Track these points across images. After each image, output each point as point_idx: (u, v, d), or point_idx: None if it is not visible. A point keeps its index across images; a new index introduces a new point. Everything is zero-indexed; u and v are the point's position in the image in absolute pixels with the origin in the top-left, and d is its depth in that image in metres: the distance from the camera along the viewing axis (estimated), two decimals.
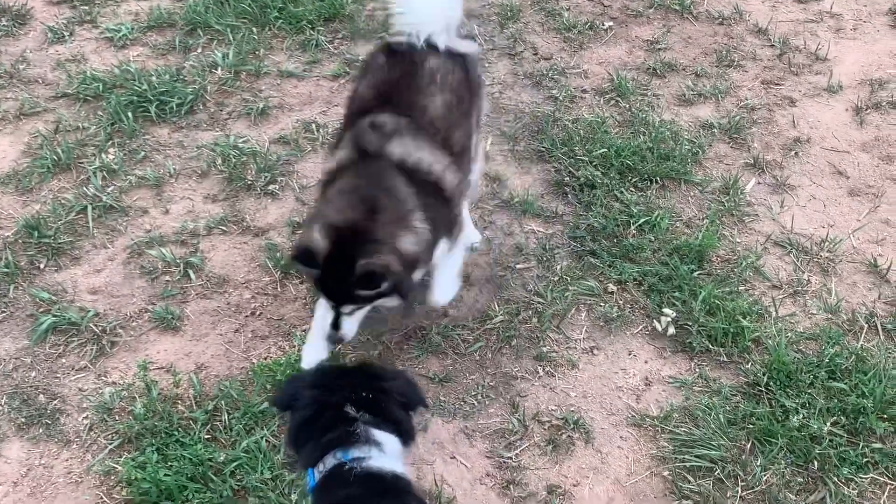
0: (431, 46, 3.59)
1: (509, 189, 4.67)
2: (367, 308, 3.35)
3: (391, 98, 3.51)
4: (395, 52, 3.63)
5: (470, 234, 4.15)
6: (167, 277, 4.14)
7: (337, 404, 2.51)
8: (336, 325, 3.34)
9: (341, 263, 3.12)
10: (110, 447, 3.45)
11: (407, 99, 3.51)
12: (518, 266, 4.28)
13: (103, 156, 4.66)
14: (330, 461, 2.44)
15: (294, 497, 3.25)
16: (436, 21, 3.62)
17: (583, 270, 4.25)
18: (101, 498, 3.30)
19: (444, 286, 3.86)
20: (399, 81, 3.56)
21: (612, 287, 4.17)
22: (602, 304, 4.11)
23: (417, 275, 3.40)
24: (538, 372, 3.83)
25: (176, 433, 3.44)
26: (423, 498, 2.55)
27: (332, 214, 3.22)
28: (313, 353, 3.61)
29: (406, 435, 2.59)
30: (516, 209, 4.56)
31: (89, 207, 4.39)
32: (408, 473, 2.54)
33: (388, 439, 2.51)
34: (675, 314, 3.99)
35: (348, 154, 3.42)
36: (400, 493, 2.44)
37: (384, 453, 2.48)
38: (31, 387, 3.67)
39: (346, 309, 3.30)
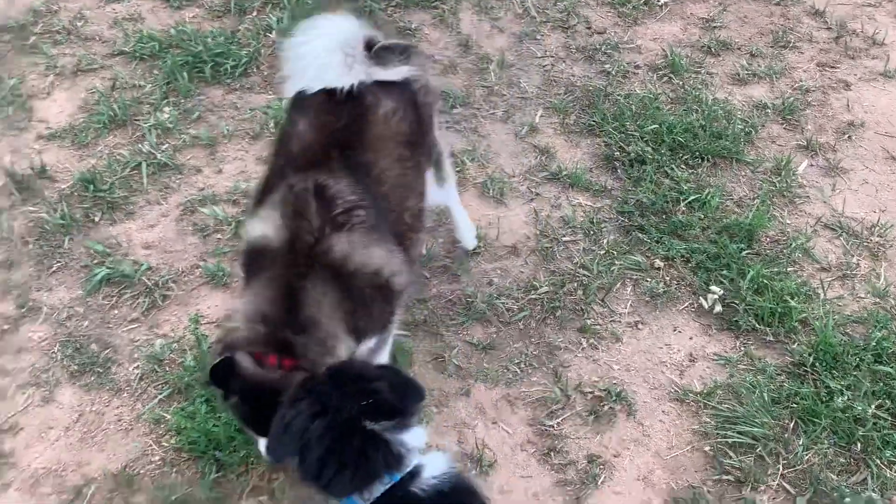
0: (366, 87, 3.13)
1: (558, 162, 4.66)
2: None
3: (339, 151, 3.01)
4: (335, 92, 3.10)
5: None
6: (219, 235, 4.19)
7: (352, 422, 2.31)
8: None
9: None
10: (160, 397, 3.52)
11: (360, 158, 3.05)
12: (564, 238, 4.28)
13: (158, 114, 4.71)
14: (379, 487, 2.28)
15: None
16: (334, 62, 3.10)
17: (630, 245, 4.25)
18: (151, 445, 3.37)
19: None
20: (347, 130, 3.07)
21: (658, 263, 4.17)
22: (648, 279, 4.10)
23: None
24: (582, 343, 3.84)
25: None
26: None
27: (249, 343, 2.77)
28: None
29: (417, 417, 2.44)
30: (564, 182, 4.56)
31: (144, 164, 4.46)
32: (450, 463, 2.42)
33: (415, 437, 2.36)
34: (722, 292, 3.98)
35: (275, 232, 2.89)
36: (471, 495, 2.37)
37: (419, 452, 2.37)
38: (83, 336, 3.74)
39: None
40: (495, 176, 4.57)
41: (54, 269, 4.01)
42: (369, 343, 2.98)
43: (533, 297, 4.00)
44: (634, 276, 4.12)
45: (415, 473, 2.32)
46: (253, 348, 2.71)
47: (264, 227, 2.95)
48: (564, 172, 4.59)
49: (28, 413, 3.47)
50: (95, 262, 4.01)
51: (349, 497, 2.31)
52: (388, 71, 3.21)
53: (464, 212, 4.10)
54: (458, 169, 4.51)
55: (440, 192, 3.66)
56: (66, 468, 3.30)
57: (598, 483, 3.37)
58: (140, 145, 4.57)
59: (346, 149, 3.05)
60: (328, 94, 3.09)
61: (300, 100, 3.17)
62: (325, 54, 3.09)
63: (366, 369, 2.53)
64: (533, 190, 4.53)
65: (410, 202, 3.26)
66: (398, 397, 2.39)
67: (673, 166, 4.58)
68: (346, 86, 3.10)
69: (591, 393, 3.66)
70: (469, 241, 4.12)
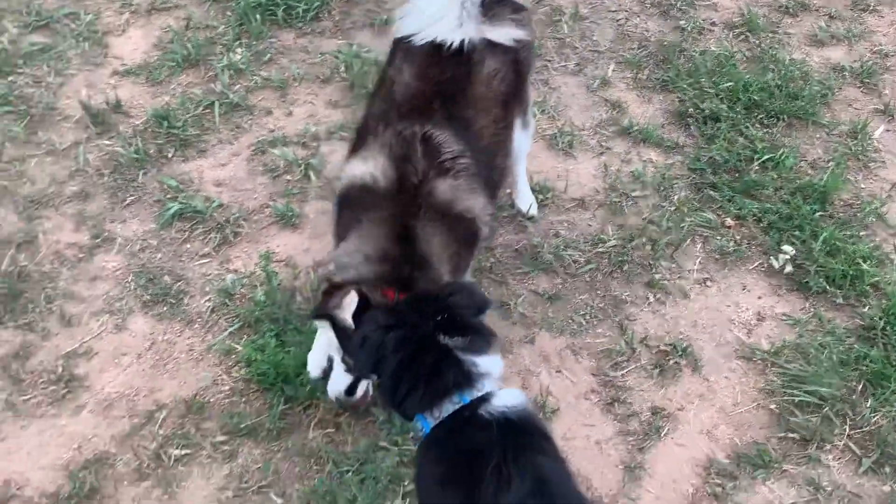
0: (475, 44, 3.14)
1: (629, 117, 4.61)
2: None
3: (442, 104, 3.04)
4: (444, 46, 3.12)
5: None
6: (288, 176, 4.23)
7: (427, 337, 2.34)
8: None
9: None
10: (230, 329, 3.57)
11: (461, 113, 3.08)
12: (634, 194, 4.25)
13: (231, 55, 4.74)
14: (448, 406, 2.30)
15: None
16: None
17: (701, 203, 4.20)
18: (221, 375, 3.43)
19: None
20: (451, 84, 3.09)
21: (730, 221, 4.12)
22: (718, 237, 4.06)
23: None
24: (648, 298, 3.83)
25: (294, 322, 3.53)
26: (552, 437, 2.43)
27: (376, 279, 2.82)
28: (318, 363, 3.28)
29: (493, 341, 2.45)
30: (635, 137, 4.51)
31: (216, 103, 4.49)
32: (524, 399, 2.42)
33: (490, 363, 2.37)
34: (793, 252, 3.93)
35: (381, 173, 2.96)
36: (537, 434, 2.34)
37: (494, 381, 2.38)
38: (156, 267, 3.81)
39: None
40: (565, 129, 4.54)
41: (128, 202, 4.07)
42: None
43: (600, 250, 3.99)
44: (704, 234, 4.08)
45: (485, 399, 2.32)
46: (380, 284, 2.77)
47: (368, 167, 3.01)
48: (636, 128, 4.54)
49: (102, 339, 3.55)
50: (168, 196, 4.07)
51: (420, 415, 2.34)
52: (497, 31, 3.22)
53: (526, 177, 4.07)
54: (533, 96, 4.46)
55: (522, 137, 3.64)
56: (139, 393, 3.37)
57: (662, 435, 3.37)
58: (212, 85, 4.60)
59: (449, 102, 3.07)
60: (436, 46, 3.12)
61: (407, 47, 3.19)
62: (443, 5, 3.13)
63: (442, 288, 2.60)
64: (603, 144, 4.49)
65: (499, 160, 3.32)
66: (472, 313, 2.43)
67: (748, 125, 4.51)
68: (456, 41, 3.12)
69: (656, 347, 3.64)
70: (525, 206, 4.08)
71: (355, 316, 2.67)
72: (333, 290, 2.86)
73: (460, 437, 2.29)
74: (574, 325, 3.71)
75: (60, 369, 3.42)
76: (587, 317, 3.74)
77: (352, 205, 3.07)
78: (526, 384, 3.48)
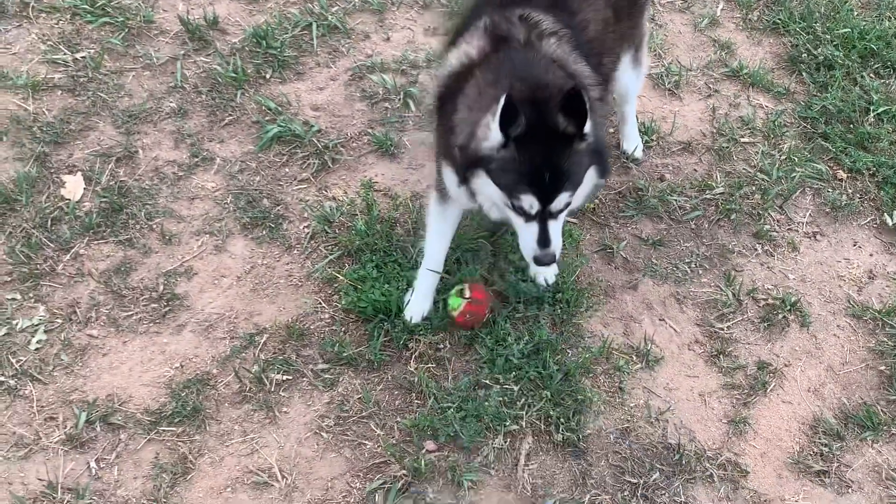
0: None
1: (738, 59, 4.44)
2: (572, 202, 2.74)
3: None
4: None
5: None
6: (386, 104, 4.14)
7: None
8: (544, 239, 2.73)
9: (542, 122, 2.59)
10: (330, 257, 3.52)
11: (566, 3, 2.98)
12: (743, 139, 4.10)
13: None
14: None
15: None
16: None
17: (812, 153, 4.05)
18: (320, 304, 3.40)
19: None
20: None
21: (842, 174, 3.97)
22: (830, 189, 3.92)
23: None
24: (756, 249, 3.71)
25: (394, 254, 3.48)
26: None
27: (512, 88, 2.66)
28: (419, 308, 3.30)
29: None
30: (744, 80, 4.35)
31: (314, 25, 4.39)
32: None
33: None
34: None
35: (481, 48, 2.87)
36: None
37: None
38: (255, 190, 3.77)
39: (557, 202, 2.66)
40: (672, 68, 4.38)
41: (226, 121, 4.01)
42: None
43: (707, 196, 3.86)
44: (815, 185, 3.93)
45: None
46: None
47: (466, 51, 2.90)
48: (745, 70, 4.37)
49: (202, 259, 3.53)
50: (267, 118, 4.00)
51: None
52: None
53: (635, 120, 3.93)
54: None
55: (631, 76, 3.50)
56: (238, 316, 3.35)
57: (767, 391, 3.29)
58: (310, 5, 4.50)
59: None
60: None
61: None
62: None
63: None
64: (711, 86, 4.33)
65: (606, 59, 3.16)
66: None
67: (863, 74, 4.32)
68: None
69: (764, 300, 3.54)
70: (631, 147, 3.95)
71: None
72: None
73: None
74: (678, 272, 3.61)
75: (161, 287, 3.41)
76: (692, 265, 3.63)
77: (449, 91, 2.92)
78: (628, 331, 3.41)
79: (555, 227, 2.72)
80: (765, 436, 3.18)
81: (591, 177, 2.76)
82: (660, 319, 3.46)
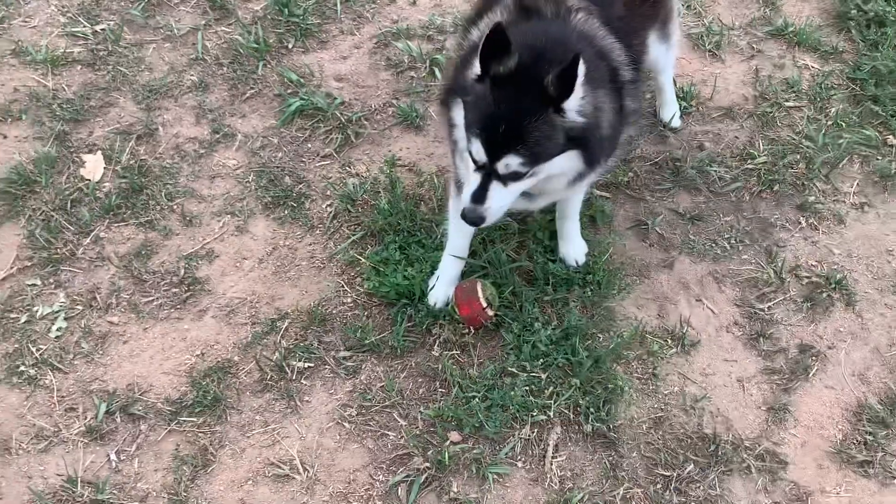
0: None
1: (783, 16, 4.20)
2: (529, 176, 2.53)
3: None
4: None
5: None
6: (412, 73, 3.99)
7: None
8: (479, 195, 2.54)
9: (528, 74, 2.39)
10: (353, 238, 3.42)
11: None
12: (787, 104, 3.89)
13: None
14: None
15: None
16: None
17: (861, 117, 3.83)
18: (342, 287, 3.31)
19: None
20: None
21: (893, 140, 3.76)
22: (879, 157, 3.71)
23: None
24: (800, 223, 3.53)
25: (418, 234, 3.38)
26: None
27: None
28: (442, 294, 3.17)
29: None
30: (790, 39, 4.12)
31: None
32: None
33: None
34: None
35: (507, 21, 2.69)
36: None
37: None
38: (277, 167, 3.66)
39: (506, 163, 2.47)
40: (713, 27, 4.16)
41: (248, 95, 3.90)
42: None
43: (749, 166, 3.68)
44: (864, 153, 3.72)
45: None
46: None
47: (490, 22, 2.71)
48: (790, 29, 4.14)
49: (223, 241, 3.45)
50: (289, 91, 3.88)
51: None
52: None
53: (672, 87, 3.73)
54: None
55: (660, 50, 3.31)
56: (260, 300, 3.28)
57: (810, 375, 3.14)
58: None
59: None
60: None
61: None
62: None
63: None
64: (754, 46, 4.11)
65: (635, 40, 2.97)
66: None
67: None
68: None
69: (807, 278, 3.37)
70: (668, 116, 3.75)
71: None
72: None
73: None
74: (717, 249, 3.45)
75: (182, 271, 3.34)
76: (732, 241, 3.47)
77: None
78: (662, 312, 3.27)
79: (497, 190, 2.54)
80: (806, 424, 3.04)
81: (571, 161, 2.56)
82: (696, 300, 3.32)
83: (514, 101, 2.42)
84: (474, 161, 2.54)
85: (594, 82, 2.49)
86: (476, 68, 2.48)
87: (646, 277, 3.35)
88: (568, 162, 2.54)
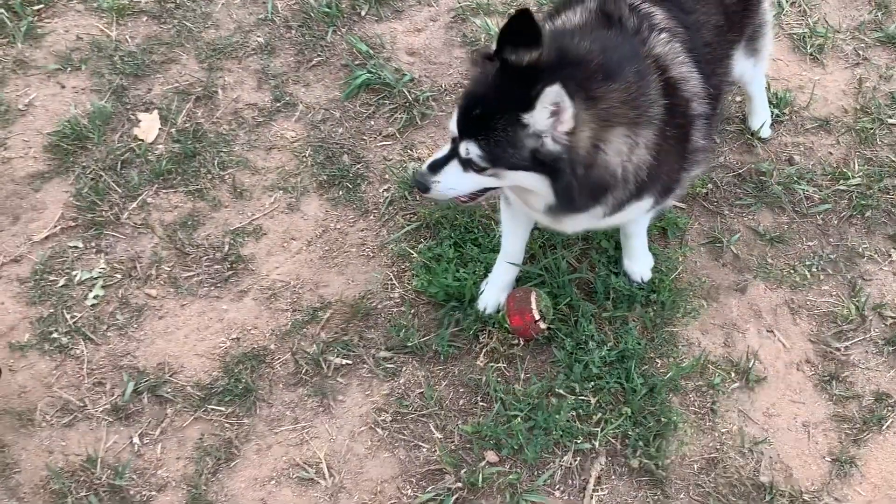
0: None
1: None
2: (490, 175, 2.37)
3: None
4: None
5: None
6: None
7: None
8: (435, 162, 2.45)
9: (533, 75, 2.21)
10: (407, 228, 3.24)
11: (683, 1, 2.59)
12: (890, 120, 3.57)
13: None
14: None
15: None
16: None
17: None
18: (391, 280, 3.14)
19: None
20: None
21: None
22: None
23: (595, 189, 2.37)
24: (890, 255, 3.24)
25: (475, 231, 3.19)
26: None
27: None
28: (493, 299, 3.00)
29: None
30: None
31: None
32: None
33: None
34: None
35: (580, 24, 2.53)
36: None
37: None
38: (336, 144, 3.49)
39: (467, 148, 2.33)
40: (816, 28, 3.83)
41: (314, 62, 3.73)
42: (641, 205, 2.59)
43: (840, 187, 3.39)
44: None
45: None
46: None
47: (564, 21, 2.57)
48: None
49: (272, 218, 3.30)
50: (357, 62, 3.69)
51: None
52: None
53: (764, 95, 3.43)
54: (773, 12, 3.79)
55: (745, 65, 3.02)
56: (304, 286, 3.13)
57: (884, 427, 2.88)
58: None
59: None
60: None
61: None
62: None
63: None
64: (860, 52, 3.78)
65: (719, 70, 2.72)
66: None
67: None
68: None
69: (892, 318, 3.09)
70: (757, 124, 3.46)
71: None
72: None
73: None
74: (796, 276, 3.18)
75: (227, 247, 3.21)
76: (813, 269, 3.20)
77: None
78: (729, 341, 3.03)
79: (454, 170, 2.40)
80: (873, 480, 2.80)
81: (540, 184, 2.33)
82: (768, 331, 3.07)
83: (502, 92, 2.25)
84: (452, 132, 2.39)
85: (612, 118, 2.25)
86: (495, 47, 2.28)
87: (714, 301, 3.11)
88: (537, 184, 2.32)
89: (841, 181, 3.39)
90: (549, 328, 2.93)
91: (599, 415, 2.82)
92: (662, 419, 2.81)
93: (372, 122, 3.55)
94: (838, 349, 3.02)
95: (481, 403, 2.87)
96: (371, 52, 3.71)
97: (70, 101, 3.55)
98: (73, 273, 3.13)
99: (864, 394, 2.95)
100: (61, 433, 2.80)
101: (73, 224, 3.25)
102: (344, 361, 2.96)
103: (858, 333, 3.07)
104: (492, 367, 2.92)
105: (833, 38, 3.82)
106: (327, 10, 3.84)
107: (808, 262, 3.21)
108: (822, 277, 3.18)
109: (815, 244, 3.26)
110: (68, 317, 3.03)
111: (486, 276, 3.03)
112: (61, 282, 3.11)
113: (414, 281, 3.09)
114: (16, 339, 2.98)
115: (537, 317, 2.87)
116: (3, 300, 3.06)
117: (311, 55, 3.74)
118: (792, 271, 3.19)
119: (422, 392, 2.89)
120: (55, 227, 3.24)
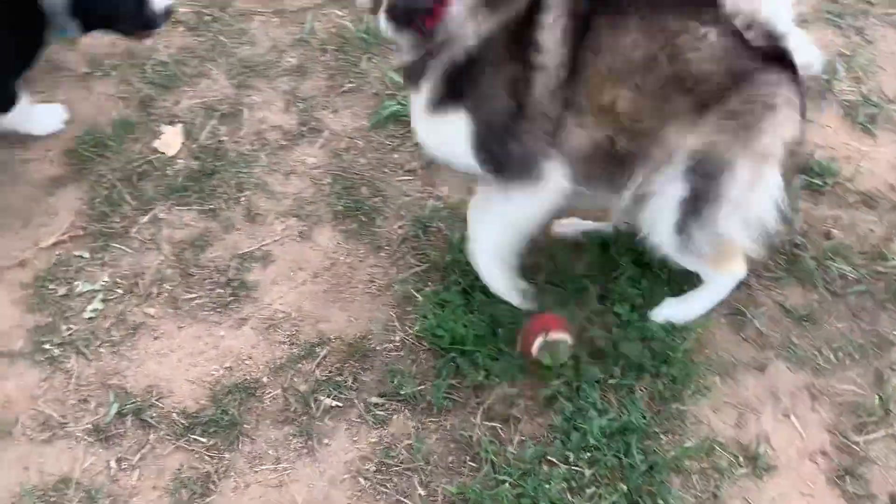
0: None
1: None
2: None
3: None
4: None
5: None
6: None
7: None
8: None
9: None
10: (417, 269, 3.14)
11: None
12: None
13: None
14: None
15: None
16: None
17: None
18: (394, 321, 3.04)
19: None
20: None
21: None
22: None
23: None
24: None
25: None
26: None
27: None
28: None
29: None
30: None
31: None
32: None
33: None
34: None
35: None
36: None
37: None
38: (356, 174, 3.41)
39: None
40: (871, 97, 3.65)
41: (345, 88, 3.67)
42: None
43: (878, 268, 3.21)
44: None
45: None
46: None
47: None
48: None
49: (283, 245, 3.23)
50: (388, 92, 3.61)
51: None
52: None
53: None
54: (825, 76, 3.64)
55: None
56: (305, 319, 3.04)
57: None
58: None
59: None
60: None
61: None
62: None
63: None
64: None
65: None
66: None
67: None
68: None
69: None
70: None
71: None
72: None
73: None
74: (820, 359, 3.01)
75: (232, 272, 3.13)
76: (840, 353, 3.02)
77: None
78: (741, 422, 2.87)
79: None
80: None
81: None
82: (784, 415, 2.90)
83: None
84: None
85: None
86: None
87: (731, 377, 2.95)
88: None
89: (879, 261, 3.22)
90: (546, 367, 2.80)
91: (593, 489, 2.68)
92: (660, 501, 2.65)
93: (395, 156, 3.47)
94: (857, 443, 2.84)
95: (470, 463, 2.74)
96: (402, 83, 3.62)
97: (95, 108, 3.52)
98: (75, 283, 3.08)
99: (880, 494, 2.76)
100: (39, 449, 2.74)
101: (82, 233, 3.21)
102: (334, 403, 2.86)
103: (880, 427, 2.88)
104: (487, 425, 2.79)
105: (887, 110, 3.63)
106: (364, 35, 3.76)
107: (834, 345, 3.03)
108: (847, 363, 3.00)
109: (844, 326, 3.08)
110: (64, 328, 2.97)
111: (492, 326, 2.91)
112: (62, 291, 3.06)
113: (417, 325, 2.98)
114: (8, 346, 2.92)
115: (535, 352, 2.76)
116: (2, 304, 3.01)
117: (342, 81, 3.67)
118: (817, 353, 3.02)
119: (410, 444, 2.77)
120: (63, 234, 3.20)
